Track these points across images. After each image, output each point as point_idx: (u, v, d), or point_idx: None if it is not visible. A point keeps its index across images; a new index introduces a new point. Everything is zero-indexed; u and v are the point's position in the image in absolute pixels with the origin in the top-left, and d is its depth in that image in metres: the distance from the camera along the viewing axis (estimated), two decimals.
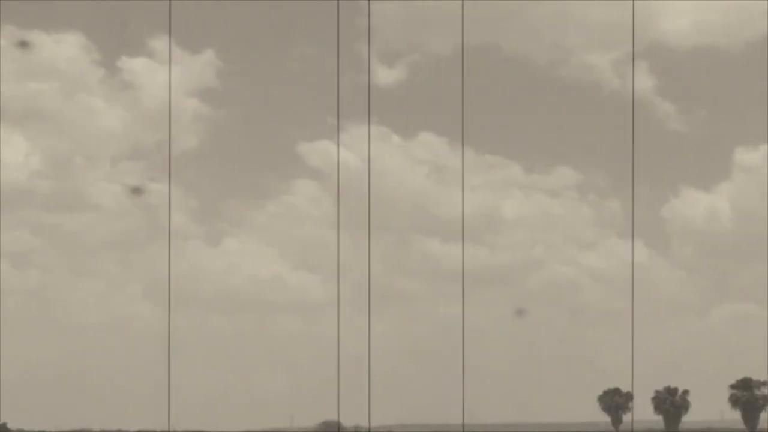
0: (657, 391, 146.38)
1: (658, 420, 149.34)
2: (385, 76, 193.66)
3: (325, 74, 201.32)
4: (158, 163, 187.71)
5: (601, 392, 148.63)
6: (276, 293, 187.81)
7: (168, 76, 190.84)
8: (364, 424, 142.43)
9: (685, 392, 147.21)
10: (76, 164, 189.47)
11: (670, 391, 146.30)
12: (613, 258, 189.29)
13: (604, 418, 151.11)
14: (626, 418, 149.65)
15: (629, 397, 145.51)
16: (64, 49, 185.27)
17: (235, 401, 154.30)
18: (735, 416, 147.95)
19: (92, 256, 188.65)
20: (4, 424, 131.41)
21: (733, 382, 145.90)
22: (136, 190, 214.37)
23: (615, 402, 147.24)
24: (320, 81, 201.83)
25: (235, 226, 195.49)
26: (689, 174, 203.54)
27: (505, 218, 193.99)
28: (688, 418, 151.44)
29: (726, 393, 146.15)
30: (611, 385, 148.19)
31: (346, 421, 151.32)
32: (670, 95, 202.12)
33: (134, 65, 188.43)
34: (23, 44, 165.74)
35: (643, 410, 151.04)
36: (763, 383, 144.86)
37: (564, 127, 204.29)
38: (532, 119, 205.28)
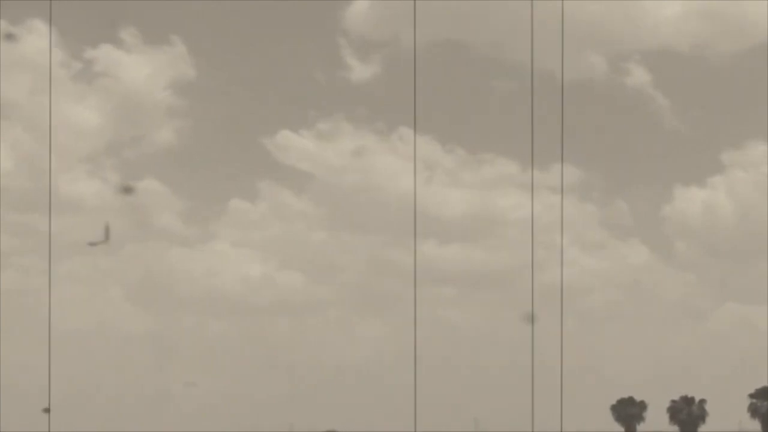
0: (673, 401, 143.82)
1: (673, 430, 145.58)
2: (361, 71, 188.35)
3: (304, 68, 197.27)
4: (136, 159, 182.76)
5: (614, 401, 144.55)
6: (266, 295, 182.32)
7: (137, 68, 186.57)
8: None
9: (702, 402, 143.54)
10: (49, 162, 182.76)
11: (687, 401, 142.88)
12: (619, 260, 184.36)
13: (618, 429, 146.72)
14: (640, 428, 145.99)
15: (643, 406, 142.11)
16: (31, 40, 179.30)
17: (230, 406, 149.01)
18: (754, 426, 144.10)
19: (72, 258, 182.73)
20: None
21: (748, 389, 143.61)
22: (127, 189, 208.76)
23: (629, 412, 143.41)
24: (299, 76, 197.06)
25: (220, 225, 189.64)
26: (692, 172, 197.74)
27: (503, 218, 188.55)
28: (703, 428, 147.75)
29: (744, 402, 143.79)
30: (624, 395, 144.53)
31: (349, 428, 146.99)
32: (667, 93, 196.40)
33: (106, 58, 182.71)
34: (9, 36, 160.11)
35: (657, 420, 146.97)
36: None
37: (560, 124, 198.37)
38: (527, 117, 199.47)
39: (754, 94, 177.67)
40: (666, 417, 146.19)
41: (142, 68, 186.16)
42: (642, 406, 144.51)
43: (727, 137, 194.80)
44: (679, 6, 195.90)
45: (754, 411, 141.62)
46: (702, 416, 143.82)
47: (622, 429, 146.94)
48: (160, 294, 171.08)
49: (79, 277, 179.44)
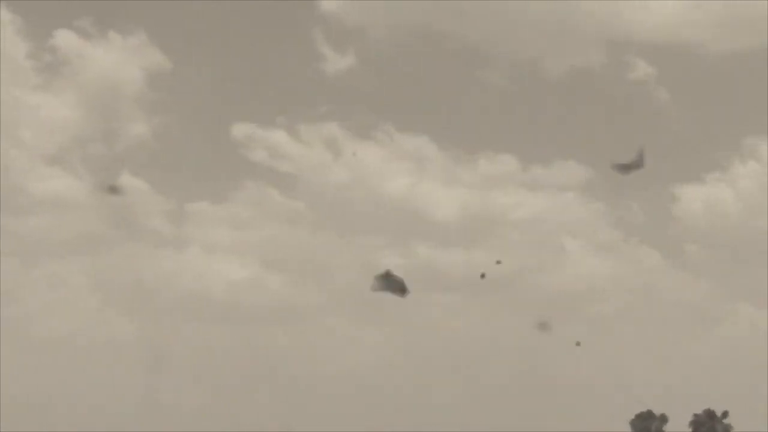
0: (696, 415, 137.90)
1: None
2: (337, 62, 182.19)
3: (279, 62, 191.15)
4: (110, 154, 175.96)
5: (632, 415, 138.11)
6: (256, 300, 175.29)
7: (104, 59, 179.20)
8: None
9: (725, 414, 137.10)
10: (16, 159, 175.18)
11: (710, 415, 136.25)
12: (628, 262, 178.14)
13: None
14: None
15: (664, 420, 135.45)
16: None
17: (224, 418, 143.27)
18: None
19: (47, 261, 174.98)
20: None
21: None
22: (114, 190, 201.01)
23: (648, 427, 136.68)
24: (275, 71, 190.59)
25: (203, 226, 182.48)
26: (698, 170, 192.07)
27: (503, 219, 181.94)
28: None
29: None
30: (643, 408, 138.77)
31: None
32: (670, 88, 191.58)
33: (69, 47, 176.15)
34: None
35: None
36: None
37: (557, 120, 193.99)
38: (521, 112, 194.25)
39: (757, 89, 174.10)
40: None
41: (109, 60, 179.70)
42: (663, 419, 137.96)
43: (733, 133, 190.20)
44: None
45: None
46: (727, 430, 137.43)
47: None
48: (144, 298, 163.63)
49: (57, 281, 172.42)
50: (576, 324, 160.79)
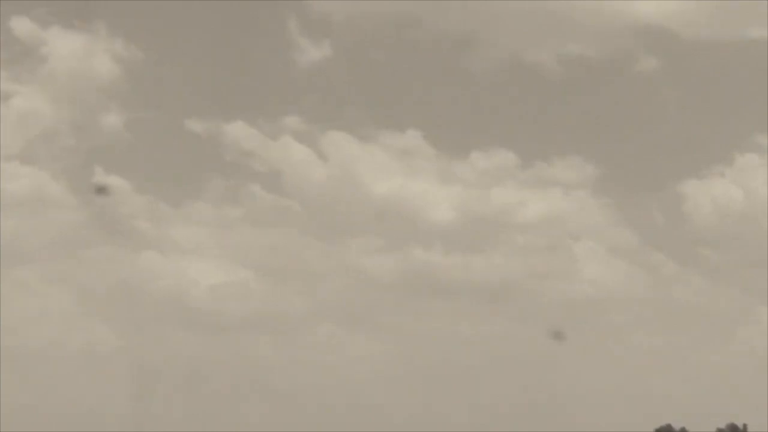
0: (719, 429, 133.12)
1: None
2: (313, 53, 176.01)
3: (254, 56, 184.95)
4: (82, 149, 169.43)
5: (651, 430, 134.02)
6: (246, 307, 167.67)
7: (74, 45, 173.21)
8: None
9: (745, 427, 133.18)
10: None
11: (734, 429, 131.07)
12: (637, 267, 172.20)
13: None
14: None
15: None
16: None
17: (210, 427, 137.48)
18: None
19: (23, 264, 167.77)
20: None
21: None
22: (100, 190, 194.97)
23: None
24: (253, 66, 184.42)
25: (186, 227, 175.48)
26: (707, 167, 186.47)
27: (505, 220, 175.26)
28: None
29: None
30: (661, 421, 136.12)
31: None
32: (675, 83, 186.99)
33: (30, 34, 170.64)
34: None
35: None
36: None
37: (556, 114, 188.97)
38: (516, 105, 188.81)
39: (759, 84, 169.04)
40: None
41: (75, 50, 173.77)
42: None
43: (738, 129, 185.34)
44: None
45: None
46: None
47: None
48: (125, 304, 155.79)
49: (33, 286, 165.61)
50: (585, 331, 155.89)
